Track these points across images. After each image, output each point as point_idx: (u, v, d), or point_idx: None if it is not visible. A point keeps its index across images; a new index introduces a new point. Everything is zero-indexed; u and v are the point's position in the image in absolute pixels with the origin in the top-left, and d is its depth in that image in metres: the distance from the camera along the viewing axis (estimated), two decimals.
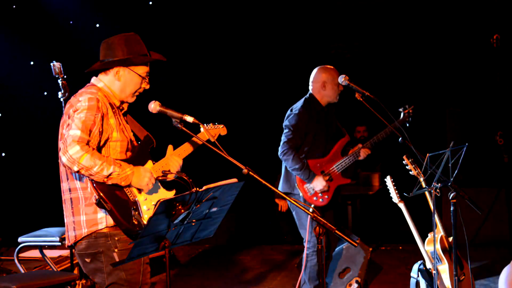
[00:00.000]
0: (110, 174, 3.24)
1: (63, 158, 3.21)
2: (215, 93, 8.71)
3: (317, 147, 5.14)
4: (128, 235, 3.34)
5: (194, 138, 3.57)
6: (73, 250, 4.49)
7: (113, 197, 3.30)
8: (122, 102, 3.57)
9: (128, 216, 3.31)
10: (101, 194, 3.27)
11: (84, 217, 3.37)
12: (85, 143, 3.25)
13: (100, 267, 3.39)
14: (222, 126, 3.88)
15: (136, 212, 3.33)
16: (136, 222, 3.30)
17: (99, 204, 3.29)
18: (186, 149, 3.63)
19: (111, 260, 3.34)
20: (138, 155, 3.48)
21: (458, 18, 7.78)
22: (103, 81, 3.51)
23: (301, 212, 5.09)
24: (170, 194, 3.49)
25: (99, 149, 3.37)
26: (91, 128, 3.29)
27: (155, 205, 3.28)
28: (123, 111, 3.59)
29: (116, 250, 3.35)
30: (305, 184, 5.06)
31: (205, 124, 3.66)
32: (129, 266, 3.34)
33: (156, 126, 3.92)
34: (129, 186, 3.34)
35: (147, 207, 3.38)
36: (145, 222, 3.32)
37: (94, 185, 3.28)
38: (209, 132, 3.61)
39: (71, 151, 3.19)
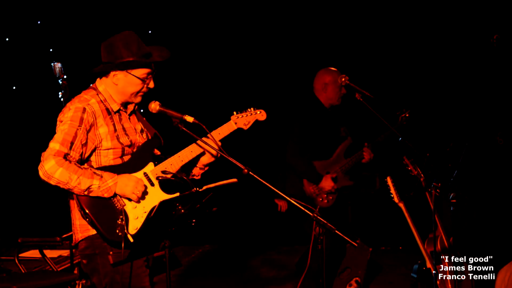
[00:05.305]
0: (89, 188, 3.21)
1: (40, 173, 3.22)
2: (215, 93, 8.70)
3: (321, 149, 5.14)
4: (113, 245, 3.27)
5: (198, 141, 3.46)
6: (73, 250, 4.52)
7: (97, 207, 3.25)
8: (127, 103, 3.52)
9: (111, 227, 3.23)
10: (83, 205, 3.24)
11: (78, 221, 3.39)
12: (62, 156, 3.23)
13: (96, 268, 3.38)
14: (259, 111, 3.69)
15: (122, 222, 3.23)
16: (120, 234, 3.22)
17: (81, 214, 3.28)
18: (193, 150, 3.52)
19: (106, 262, 3.33)
20: (134, 159, 3.42)
21: (458, 18, 7.79)
22: (104, 84, 3.46)
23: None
24: (161, 198, 3.34)
25: (87, 157, 3.36)
26: (72, 141, 3.27)
27: (148, 212, 3.23)
28: (128, 112, 3.53)
29: (111, 252, 3.32)
30: (311, 185, 5.06)
31: (241, 112, 3.59)
32: (125, 269, 3.31)
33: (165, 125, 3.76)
34: (114, 196, 3.28)
35: (135, 215, 3.29)
36: (131, 232, 3.24)
37: (77, 195, 3.26)
38: (224, 129, 3.56)
39: (47, 165, 3.20)
